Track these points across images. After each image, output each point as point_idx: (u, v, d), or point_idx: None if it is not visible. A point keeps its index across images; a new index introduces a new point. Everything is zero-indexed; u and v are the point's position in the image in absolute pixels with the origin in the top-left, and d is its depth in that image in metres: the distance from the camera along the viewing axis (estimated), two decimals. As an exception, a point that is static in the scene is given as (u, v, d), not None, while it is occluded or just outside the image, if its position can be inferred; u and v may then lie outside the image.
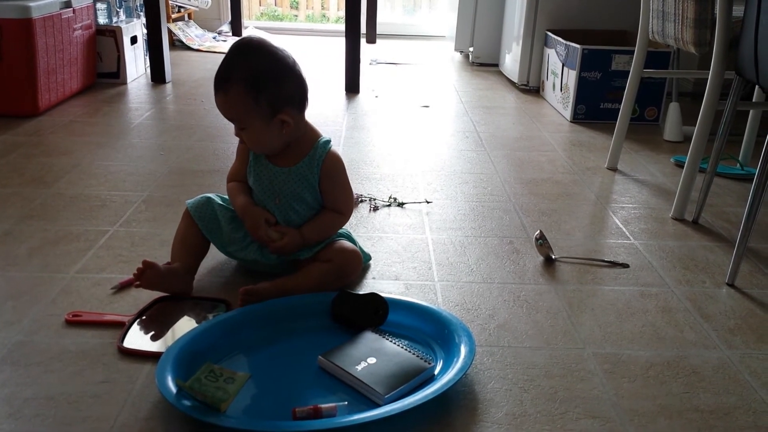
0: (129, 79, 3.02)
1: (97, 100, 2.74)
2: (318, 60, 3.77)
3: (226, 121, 1.31)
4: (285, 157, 1.34)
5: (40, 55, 2.40)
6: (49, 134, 2.27)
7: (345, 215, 1.39)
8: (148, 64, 3.16)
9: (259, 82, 1.24)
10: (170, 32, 3.86)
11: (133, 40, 3.06)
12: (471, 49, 3.77)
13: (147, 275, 1.23)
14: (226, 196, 1.43)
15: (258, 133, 1.28)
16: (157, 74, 3.05)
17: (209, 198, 1.39)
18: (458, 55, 4.08)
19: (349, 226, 1.51)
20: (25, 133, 2.26)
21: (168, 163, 2.05)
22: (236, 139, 1.40)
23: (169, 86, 3.02)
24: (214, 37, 4.17)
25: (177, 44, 3.92)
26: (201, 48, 3.91)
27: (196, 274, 1.36)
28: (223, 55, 1.29)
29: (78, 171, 1.95)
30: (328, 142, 1.36)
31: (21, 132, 2.27)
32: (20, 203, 1.70)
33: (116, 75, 2.99)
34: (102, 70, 2.97)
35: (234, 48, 1.28)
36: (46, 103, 2.48)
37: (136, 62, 3.10)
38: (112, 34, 2.92)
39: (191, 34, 4.06)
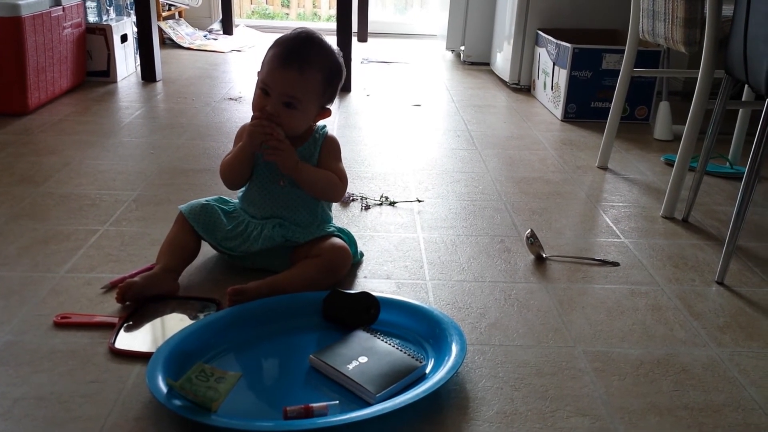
0: (119, 78, 3.01)
1: (87, 98, 2.73)
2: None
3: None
4: (291, 141, 1.36)
5: (29, 53, 2.38)
6: (38, 133, 2.26)
7: (343, 182, 1.42)
8: (138, 62, 3.15)
9: (333, 77, 1.37)
10: (161, 30, 3.84)
11: (124, 38, 3.05)
12: (462, 47, 3.78)
13: (128, 296, 1.25)
14: (220, 197, 1.44)
15: (304, 116, 1.35)
16: (148, 73, 3.03)
17: (203, 202, 1.40)
18: (449, 54, 4.09)
19: (341, 225, 1.51)
20: (14, 132, 2.25)
21: (158, 162, 2.04)
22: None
23: (159, 85, 3.01)
24: (204, 36, 4.16)
25: (167, 42, 3.91)
26: (191, 46, 3.90)
27: (186, 275, 1.36)
28: (285, 38, 1.34)
29: (68, 170, 1.94)
30: (325, 126, 1.45)
31: (10, 131, 2.26)
32: (9, 202, 1.70)
33: (106, 73, 2.97)
34: (92, 68, 2.96)
35: (307, 37, 1.35)
36: (35, 101, 2.47)
37: (126, 60, 3.09)
38: (102, 32, 2.91)
39: (182, 32, 4.05)
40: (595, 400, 1.06)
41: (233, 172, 1.39)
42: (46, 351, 1.12)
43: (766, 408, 1.06)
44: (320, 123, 1.44)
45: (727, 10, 1.61)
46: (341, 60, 1.39)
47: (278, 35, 1.38)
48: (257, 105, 1.34)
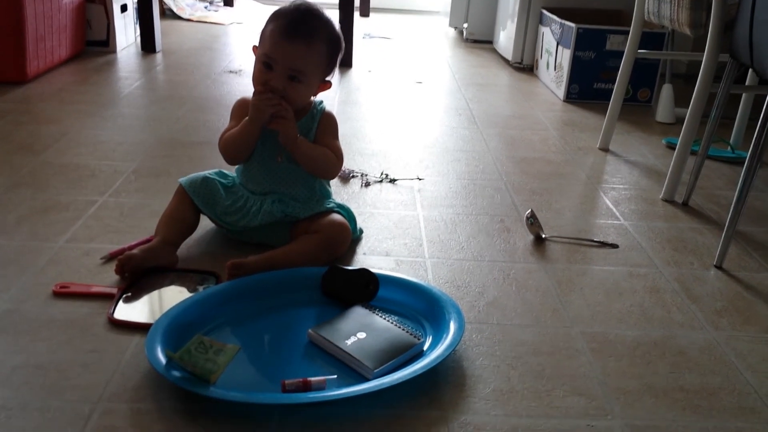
0: (118, 48, 2.98)
1: (86, 68, 2.70)
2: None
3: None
4: None
5: (29, 21, 2.36)
6: (37, 102, 2.25)
7: (339, 159, 1.42)
8: (138, 32, 3.12)
9: (336, 49, 1.37)
10: (161, 1, 3.81)
11: (123, 8, 3.02)
12: (465, 25, 3.75)
13: (127, 268, 1.24)
14: (220, 171, 1.43)
15: (308, 88, 1.36)
16: (147, 43, 3.01)
17: (204, 175, 1.39)
18: (452, 31, 4.06)
19: (341, 202, 1.50)
20: (13, 101, 2.23)
21: (158, 134, 2.03)
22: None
23: (159, 56, 2.99)
24: (205, 7, 4.12)
25: (167, 13, 3.87)
26: (192, 18, 3.87)
27: (185, 248, 1.36)
28: (286, 11, 1.33)
29: (67, 140, 1.93)
30: (322, 102, 1.45)
31: (9, 99, 2.24)
32: (8, 171, 1.69)
33: (105, 43, 2.95)
34: (91, 38, 2.93)
35: (308, 9, 1.34)
36: (34, 70, 2.45)
37: (125, 31, 3.06)
38: (102, 1, 2.88)
39: (182, 3, 4.01)
40: (592, 380, 1.07)
41: (238, 148, 1.37)
42: (45, 320, 1.12)
43: (761, 392, 1.07)
44: (318, 98, 1.43)
45: (735, -8, 1.59)
46: (340, 31, 1.39)
47: (279, 7, 1.36)
48: (259, 79, 1.32)
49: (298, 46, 1.29)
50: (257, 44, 1.36)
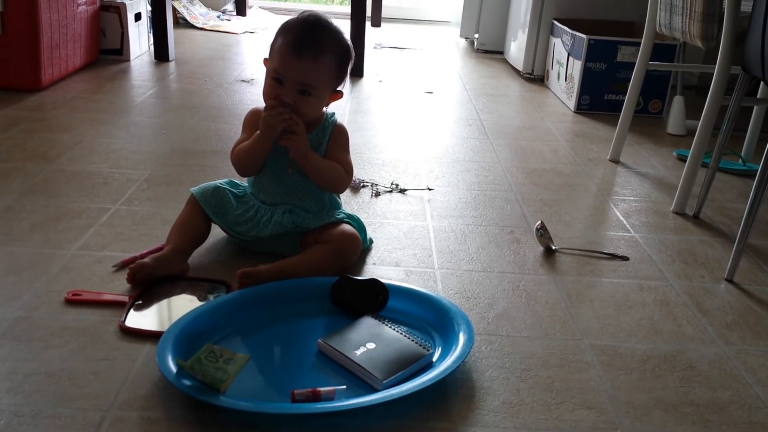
0: (132, 56, 3.00)
1: (100, 76, 2.73)
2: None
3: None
4: None
5: (43, 29, 2.38)
6: (51, 110, 2.27)
7: (348, 174, 1.42)
8: (151, 41, 3.14)
9: (345, 58, 1.37)
10: (174, 10, 3.83)
11: (137, 17, 3.04)
12: (476, 35, 3.76)
13: (138, 277, 1.25)
14: (231, 180, 1.44)
15: (319, 101, 1.36)
16: (161, 52, 3.03)
17: (216, 185, 1.40)
18: (463, 42, 4.07)
19: (351, 212, 1.51)
20: (27, 108, 2.26)
21: (170, 143, 2.04)
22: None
23: (172, 64, 3.01)
24: (218, 16, 4.15)
25: (181, 22, 3.90)
26: (205, 27, 3.89)
27: (196, 257, 1.37)
28: (293, 25, 1.34)
29: (80, 148, 1.94)
30: (334, 114, 1.45)
31: (23, 107, 2.27)
32: (22, 178, 1.70)
33: (119, 52, 2.97)
34: (105, 46, 2.95)
35: (316, 21, 1.34)
36: (49, 78, 2.47)
37: (139, 39, 3.09)
38: (116, 10, 2.90)
39: (195, 12, 4.04)
40: (601, 393, 1.07)
41: (249, 162, 1.38)
42: (57, 327, 1.13)
43: (772, 407, 1.06)
44: (329, 110, 1.44)
45: (746, 5, 1.59)
46: (349, 41, 1.39)
47: (288, 19, 1.37)
48: (270, 94, 1.33)
49: (306, 61, 1.30)
50: (268, 57, 1.37)
